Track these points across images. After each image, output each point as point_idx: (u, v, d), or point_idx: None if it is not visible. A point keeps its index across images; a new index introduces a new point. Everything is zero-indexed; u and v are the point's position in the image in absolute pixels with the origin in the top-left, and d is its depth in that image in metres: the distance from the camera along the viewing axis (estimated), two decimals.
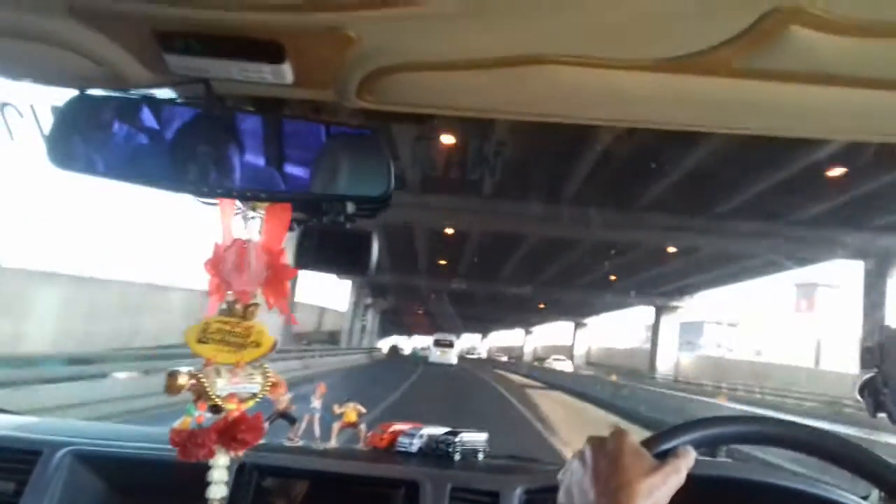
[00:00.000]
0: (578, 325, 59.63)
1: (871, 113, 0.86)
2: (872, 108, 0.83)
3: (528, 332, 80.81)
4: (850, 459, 0.82)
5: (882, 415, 0.92)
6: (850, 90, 0.79)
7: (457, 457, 1.54)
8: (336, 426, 1.76)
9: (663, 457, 0.78)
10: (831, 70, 0.75)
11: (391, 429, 1.67)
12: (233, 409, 1.02)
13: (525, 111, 0.98)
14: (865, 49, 0.71)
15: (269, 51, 0.81)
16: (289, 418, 1.73)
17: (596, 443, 0.78)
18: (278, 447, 1.59)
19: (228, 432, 1.02)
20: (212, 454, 1.03)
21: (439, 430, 1.62)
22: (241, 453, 1.06)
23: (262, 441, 1.55)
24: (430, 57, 0.82)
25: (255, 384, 1.05)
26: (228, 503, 1.33)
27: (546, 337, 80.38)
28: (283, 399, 1.70)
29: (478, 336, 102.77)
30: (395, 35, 0.78)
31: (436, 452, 1.56)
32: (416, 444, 1.59)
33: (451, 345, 47.89)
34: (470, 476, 1.44)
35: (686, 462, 0.78)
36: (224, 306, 1.04)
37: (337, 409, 1.79)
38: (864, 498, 1.28)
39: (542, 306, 53.47)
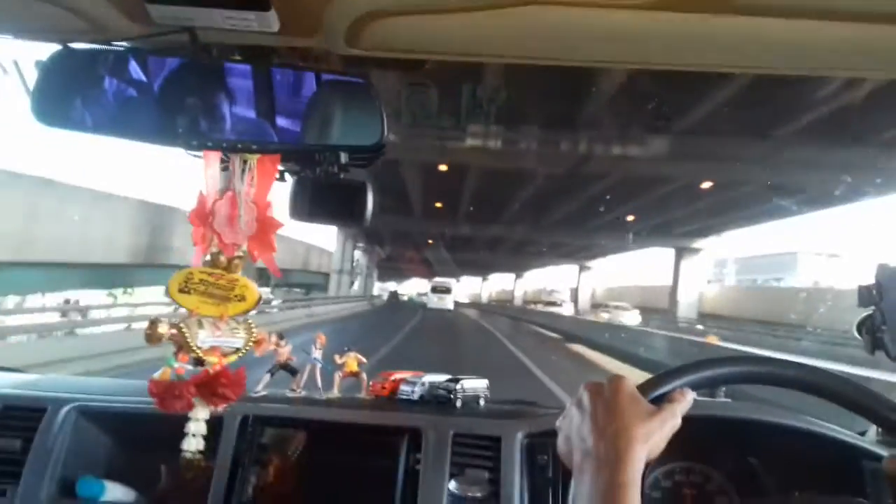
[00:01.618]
0: (583, 269, 56.41)
1: (869, 48, 0.84)
2: (870, 42, 0.82)
3: (518, 277, 77.84)
4: (846, 397, 0.83)
5: (880, 352, 0.92)
6: (847, 24, 0.77)
7: (458, 403, 1.56)
8: (338, 376, 1.77)
9: (660, 400, 0.79)
10: (829, 5, 0.73)
11: (393, 377, 1.68)
12: (214, 362, 1.01)
13: (519, 54, 0.96)
14: None
15: None
16: (290, 370, 1.75)
17: (593, 389, 0.79)
18: (281, 398, 1.60)
19: (209, 386, 1.02)
20: (190, 406, 1.03)
21: (440, 378, 1.64)
22: (220, 407, 1.06)
23: (264, 393, 1.57)
24: (418, 1, 0.79)
25: (238, 339, 1.04)
26: (233, 454, 1.36)
27: (542, 280, 78.25)
28: (284, 351, 1.71)
29: (478, 279, 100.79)
30: None
31: (437, 399, 1.58)
32: (417, 392, 1.60)
33: (448, 290, 48.84)
34: (471, 422, 1.45)
35: (682, 405, 0.78)
36: (208, 257, 1.02)
37: (338, 359, 1.80)
38: (862, 434, 1.30)
39: (544, 249, 49.97)
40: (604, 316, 35.87)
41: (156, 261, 20.41)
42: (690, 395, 0.80)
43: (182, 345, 0.99)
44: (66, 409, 1.45)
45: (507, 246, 49.30)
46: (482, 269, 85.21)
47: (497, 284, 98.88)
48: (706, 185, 22.71)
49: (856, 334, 0.95)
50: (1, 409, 1.46)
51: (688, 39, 0.85)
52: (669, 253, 37.68)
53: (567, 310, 42.18)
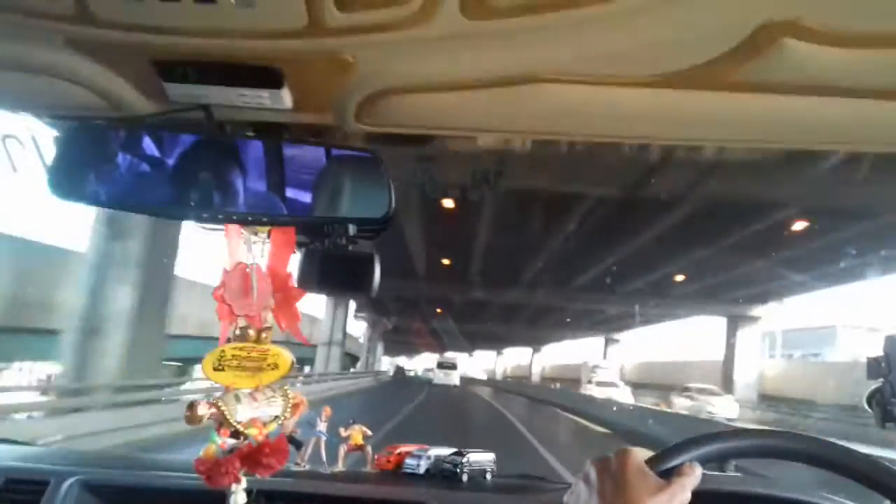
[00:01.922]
0: (609, 342, 51.76)
1: (868, 123, 0.86)
2: (869, 118, 0.84)
3: (536, 351, 70.11)
4: (859, 471, 0.81)
5: (891, 424, 0.91)
6: (845, 100, 0.79)
7: (464, 477, 1.53)
8: (342, 449, 1.75)
9: (669, 474, 0.77)
10: (827, 81, 0.76)
11: (398, 450, 1.66)
12: (255, 433, 1.02)
13: (523, 129, 0.98)
14: (859, 60, 0.72)
15: (268, 76, 0.81)
16: (294, 442, 1.72)
17: (600, 463, 0.78)
18: (285, 472, 1.58)
19: (253, 457, 1.02)
20: (237, 480, 1.02)
21: (446, 451, 1.62)
22: (268, 476, 1.06)
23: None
24: (427, 79, 0.82)
25: (275, 406, 1.05)
26: None
27: (561, 354, 72.03)
28: (288, 423, 1.69)
29: (492, 353, 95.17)
30: (392, 58, 0.78)
31: (443, 473, 1.56)
32: (423, 466, 1.58)
33: (453, 367, 48.79)
34: (478, 497, 1.43)
35: (692, 480, 0.77)
36: (237, 332, 1.04)
37: (343, 432, 1.78)
38: None
39: (567, 319, 44.35)
40: (683, 403, 25.87)
41: (25, 323, 15.02)
42: (699, 470, 0.79)
43: (223, 421, 1.00)
44: (69, 482, 1.43)
45: (523, 316, 46.08)
46: (496, 343, 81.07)
47: (512, 359, 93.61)
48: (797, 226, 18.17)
49: (865, 407, 0.94)
50: (4, 483, 1.44)
51: (688, 115, 0.87)
52: (711, 323, 33.61)
53: (624, 395, 29.41)
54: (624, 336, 50.01)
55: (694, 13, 0.68)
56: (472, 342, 70.59)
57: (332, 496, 1.46)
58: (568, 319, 42.97)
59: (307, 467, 1.68)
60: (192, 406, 0.97)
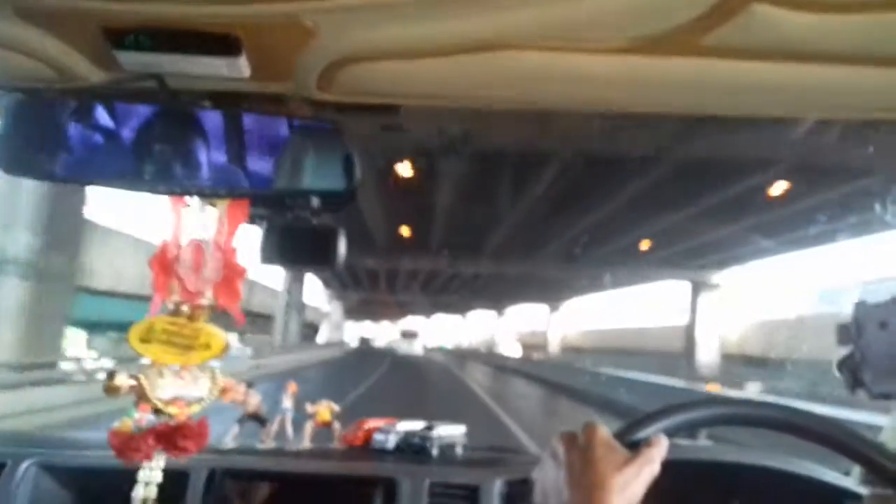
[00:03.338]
0: (554, 309, 51.59)
1: (838, 89, 0.86)
2: (839, 84, 0.83)
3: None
4: (827, 437, 0.82)
5: (860, 390, 0.92)
6: (816, 66, 0.79)
7: (434, 451, 1.53)
8: (309, 426, 1.73)
9: (637, 446, 0.77)
10: (797, 46, 0.75)
11: (366, 426, 1.65)
12: (176, 412, 0.99)
13: (491, 98, 0.96)
14: (828, 25, 0.71)
15: (224, 44, 0.78)
16: (260, 420, 1.70)
17: (567, 438, 0.78)
18: (250, 450, 1.56)
19: (169, 437, 0.99)
20: (149, 458, 1.00)
21: (416, 425, 1.61)
22: (181, 459, 1.03)
23: (232, 445, 1.53)
24: (390, 46, 0.80)
25: (201, 388, 1.02)
26: None
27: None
28: (253, 401, 1.67)
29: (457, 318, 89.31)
30: (354, 24, 0.76)
31: (412, 448, 1.55)
32: (391, 441, 1.57)
33: (415, 335, 54.04)
34: (448, 471, 1.42)
35: (659, 450, 0.77)
36: (171, 307, 1.00)
37: (310, 409, 1.76)
38: (846, 473, 1.30)
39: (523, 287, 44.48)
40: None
41: None
42: (665, 440, 0.78)
43: (142, 396, 0.96)
44: (25, 464, 1.40)
45: (484, 284, 44.97)
46: (455, 309, 79.61)
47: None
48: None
49: (836, 373, 0.96)
50: None
51: (657, 82, 0.86)
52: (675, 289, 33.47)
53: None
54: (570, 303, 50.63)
55: None
56: (433, 307, 70.65)
57: (298, 474, 1.44)
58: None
59: (273, 445, 1.66)
60: (111, 376, 0.94)
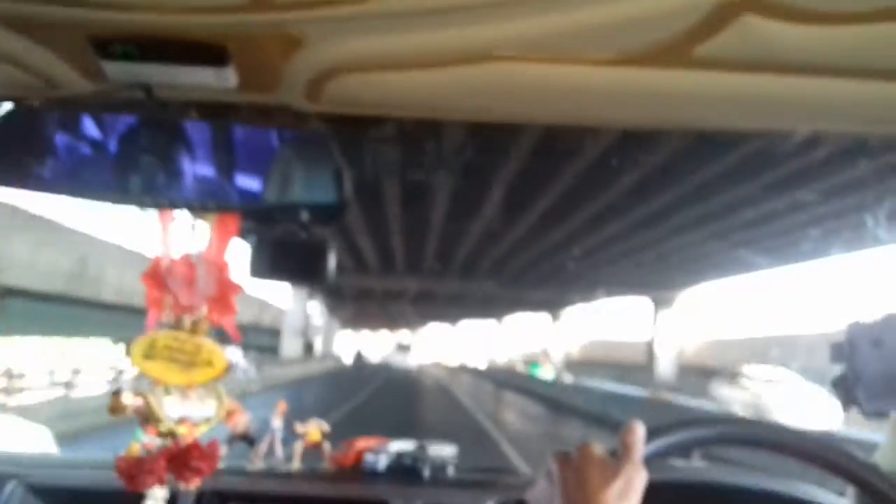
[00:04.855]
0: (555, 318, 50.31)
1: (829, 102, 0.85)
2: (830, 97, 0.83)
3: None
4: (821, 458, 0.81)
5: (853, 408, 0.92)
6: (807, 79, 0.79)
7: (425, 473, 1.51)
8: (299, 446, 1.71)
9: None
10: (788, 58, 0.75)
11: (356, 446, 1.62)
12: (185, 434, 0.97)
13: (481, 111, 0.96)
14: (820, 37, 0.71)
15: (211, 54, 0.78)
16: (248, 440, 1.67)
17: (562, 459, 0.76)
18: (239, 471, 1.53)
19: (180, 460, 0.97)
20: (163, 482, 0.97)
21: (407, 445, 1.59)
22: (193, 484, 1.00)
23: (220, 466, 1.50)
24: (379, 57, 0.79)
25: (209, 407, 1.00)
26: None
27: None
28: (242, 421, 1.65)
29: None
30: (343, 34, 0.75)
31: (404, 469, 1.53)
32: (382, 462, 1.55)
33: (407, 348, 59.05)
34: (439, 492, 1.40)
35: (636, 450, 0.74)
36: (171, 321, 0.99)
37: (299, 429, 1.74)
38: (840, 494, 1.28)
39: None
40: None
41: None
42: (639, 430, 0.76)
43: (149, 416, 0.94)
44: (11, 484, 1.37)
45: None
46: (447, 319, 77.07)
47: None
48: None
49: (831, 391, 0.95)
50: None
51: (648, 95, 0.86)
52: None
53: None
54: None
55: None
56: (423, 319, 71.76)
57: (288, 496, 1.42)
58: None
59: (262, 466, 1.63)
60: (116, 394, 0.92)
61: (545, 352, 50.13)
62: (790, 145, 12.05)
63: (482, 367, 60.34)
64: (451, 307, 53.67)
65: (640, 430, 0.76)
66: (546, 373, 36.06)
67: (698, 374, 28.34)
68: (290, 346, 37.96)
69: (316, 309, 50.28)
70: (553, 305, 46.60)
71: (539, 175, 16.12)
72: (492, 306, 51.09)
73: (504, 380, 37.25)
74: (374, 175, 14.85)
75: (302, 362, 32.70)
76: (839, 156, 12.93)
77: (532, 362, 39.23)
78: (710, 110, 0.91)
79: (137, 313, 1.06)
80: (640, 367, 34.28)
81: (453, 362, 71.11)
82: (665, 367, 33.16)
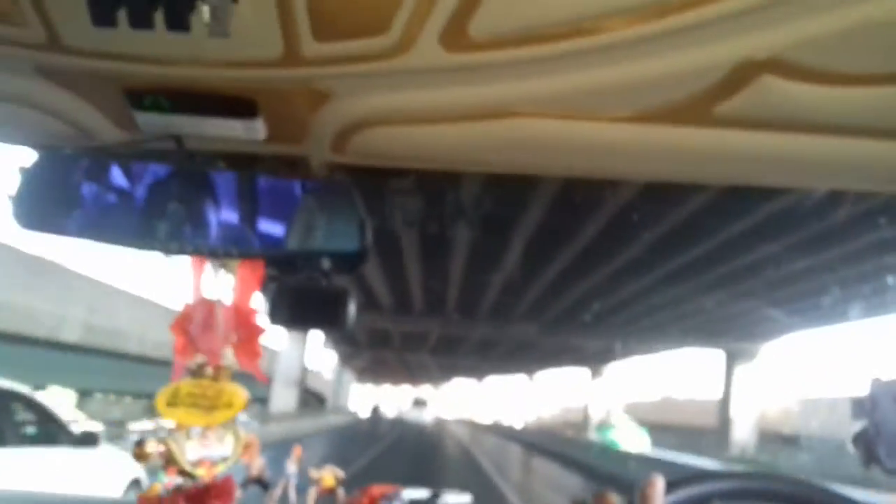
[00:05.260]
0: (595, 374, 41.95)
1: (849, 161, 0.86)
2: (850, 156, 0.84)
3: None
4: None
5: (873, 464, 0.90)
6: (826, 138, 0.79)
7: None
8: (313, 491, 1.69)
9: None
10: (808, 118, 0.76)
11: (371, 493, 1.61)
12: (203, 474, 0.98)
13: (502, 164, 0.97)
14: (838, 97, 0.72)
15: (242, 107, 0.80)
16: (263, 484, 1.67)
17: None
18: None
19: (198, 498, 0.98)
20: None
21: (421, 493, 1.57)
22: None
23: None
24: (404, 111, 0.81)
25: (226, 446, 1.01)
26: None
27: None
28: (257, 464, 1.64)
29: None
30: (369, 90, 0.77)
31: None
32: None
33: (424, 403, 54.67)
34: None
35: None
36: (194, 367, 1.00)
37: (314, 474, 1.73)
38: None
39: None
40: None
41: None
42: (659, 483, 0.75)
43: (170, 460, 0.96)
44: None
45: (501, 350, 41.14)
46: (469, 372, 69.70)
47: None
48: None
49: (851, 447, 0.94)
50: None
51: (668, 152, 0.87)
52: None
53: None
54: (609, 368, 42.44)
55: (674, 50, 0.68)
56: (448, 373, 65.85)
57: None
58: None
59: None
60: (140, 443, 0.94)
61: (616, 410, 38.14)
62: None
63: (514, 426, 53.38)
64: (478, 358, 47.88)
65: (659, 483, 0.75)
66: (627, 438, 26.49)
67: (781, 442, 25.05)
68: (283, 397, 31.79)
69: (329, 359, 48.77)
70: (596, 358, 39.18)
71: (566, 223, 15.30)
72: (524, 357, 45.28)
73: (540, 444, 29.75)
74: (393, 225, 14.75)
75: (311, 417, 29.62)
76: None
77: (603, 425, 28.52)
78: (729, 166, 0.92)
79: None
80: (711, 431, 28.28)
81: (478, 419, 65.20)
82: (742, 431, 26.57)
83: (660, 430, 29.65)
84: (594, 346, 31.54)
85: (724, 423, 26.77)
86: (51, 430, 5.07)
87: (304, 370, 34.36)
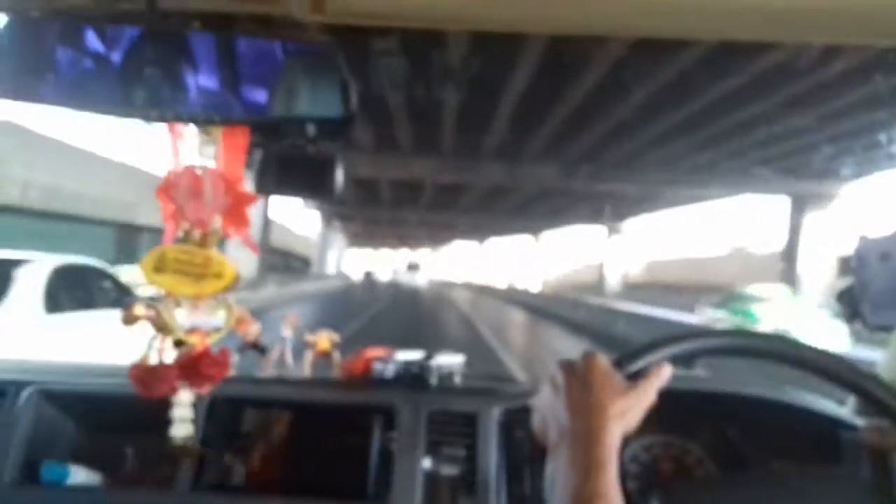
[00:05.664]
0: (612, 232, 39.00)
1: (858, 14, 0.82)
2: (858, 9, 0.80)
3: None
4: (825, 368, 0.83)
5: (857, 321, 0.93)
6: None
7: (433, 380, 1.54)
8: (309, 355, 1.74)
9: (635, 376, 0.78)
10: None
11: (365, 355, 1.66)
12: (196, 343, 0.99)
13: (492, 21, 0.93)
14: None
15: None
16: (259, 349, 1.71)
17: (567, 367, 0.78)
18: (250, 379, 1.57)
19: (192, 368, 1.00)
20: (174, 390, 1.01)
21: (415, 355, 1.62)
22: (205, 390, 1.03)
23: (232, 374, 1.55)
24: None
25: (218, 317, 1.02)
26: (202, 437, 1.33)
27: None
28: (253, 330, 1.68)
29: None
30: None
31: (411, 377, 1.56)
32: (391, 370, 1.58)
33: (417, 267, 58.33)
34: (446, 399, 1.44)
35: (659, 381, 0.78)
36: (181, 234, 0.99)
37: (309, 338, 1.77)
38: (841, 403, 1.31)
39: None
40: None
41: None
42: (667, 371, 0.79)
43: (161, 326, 0.97)
44: (27, 391, 1.41)
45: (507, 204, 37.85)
46: (472, 235, 67.10)
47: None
48: None
49: (835, 303, 0.96)
50: None
51: (675, 5, 0.83)
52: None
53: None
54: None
55: None
56: (446, 233, 63.73)
57: (297, 402, 1.46)
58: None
59: (273, 374, 1.68)
60: (128, 307, 0.95)
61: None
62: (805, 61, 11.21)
63: (517, 288, 49.32)
64: (480, 213, 43.91)
65: (667, 371, 0.78)
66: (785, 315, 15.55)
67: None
68: (237, 260, 35.95)
69: (313, 219, 48.43)
70: (618, 210, 34.80)
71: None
72: (532, 213, 42.08)
73: (546, 307, 27.17)
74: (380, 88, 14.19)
75: (279, 285, 30.00)
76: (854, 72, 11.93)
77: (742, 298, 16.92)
78: (725, 21, 0.88)
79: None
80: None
81: (479, 283, 61.43)
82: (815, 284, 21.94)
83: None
84: (627, 190, 26.40)
85: (790, 282, 22.16)
86: (122, 295, 6.50)
87: (267, 225, 30.49)
